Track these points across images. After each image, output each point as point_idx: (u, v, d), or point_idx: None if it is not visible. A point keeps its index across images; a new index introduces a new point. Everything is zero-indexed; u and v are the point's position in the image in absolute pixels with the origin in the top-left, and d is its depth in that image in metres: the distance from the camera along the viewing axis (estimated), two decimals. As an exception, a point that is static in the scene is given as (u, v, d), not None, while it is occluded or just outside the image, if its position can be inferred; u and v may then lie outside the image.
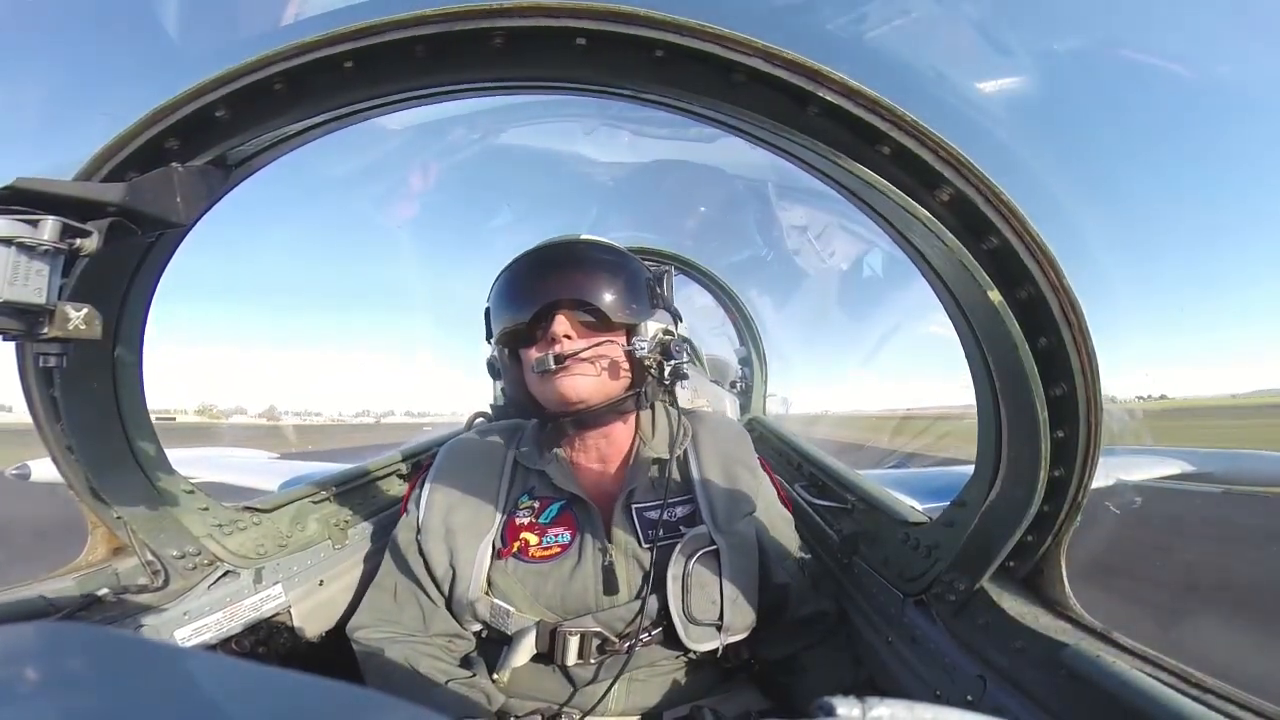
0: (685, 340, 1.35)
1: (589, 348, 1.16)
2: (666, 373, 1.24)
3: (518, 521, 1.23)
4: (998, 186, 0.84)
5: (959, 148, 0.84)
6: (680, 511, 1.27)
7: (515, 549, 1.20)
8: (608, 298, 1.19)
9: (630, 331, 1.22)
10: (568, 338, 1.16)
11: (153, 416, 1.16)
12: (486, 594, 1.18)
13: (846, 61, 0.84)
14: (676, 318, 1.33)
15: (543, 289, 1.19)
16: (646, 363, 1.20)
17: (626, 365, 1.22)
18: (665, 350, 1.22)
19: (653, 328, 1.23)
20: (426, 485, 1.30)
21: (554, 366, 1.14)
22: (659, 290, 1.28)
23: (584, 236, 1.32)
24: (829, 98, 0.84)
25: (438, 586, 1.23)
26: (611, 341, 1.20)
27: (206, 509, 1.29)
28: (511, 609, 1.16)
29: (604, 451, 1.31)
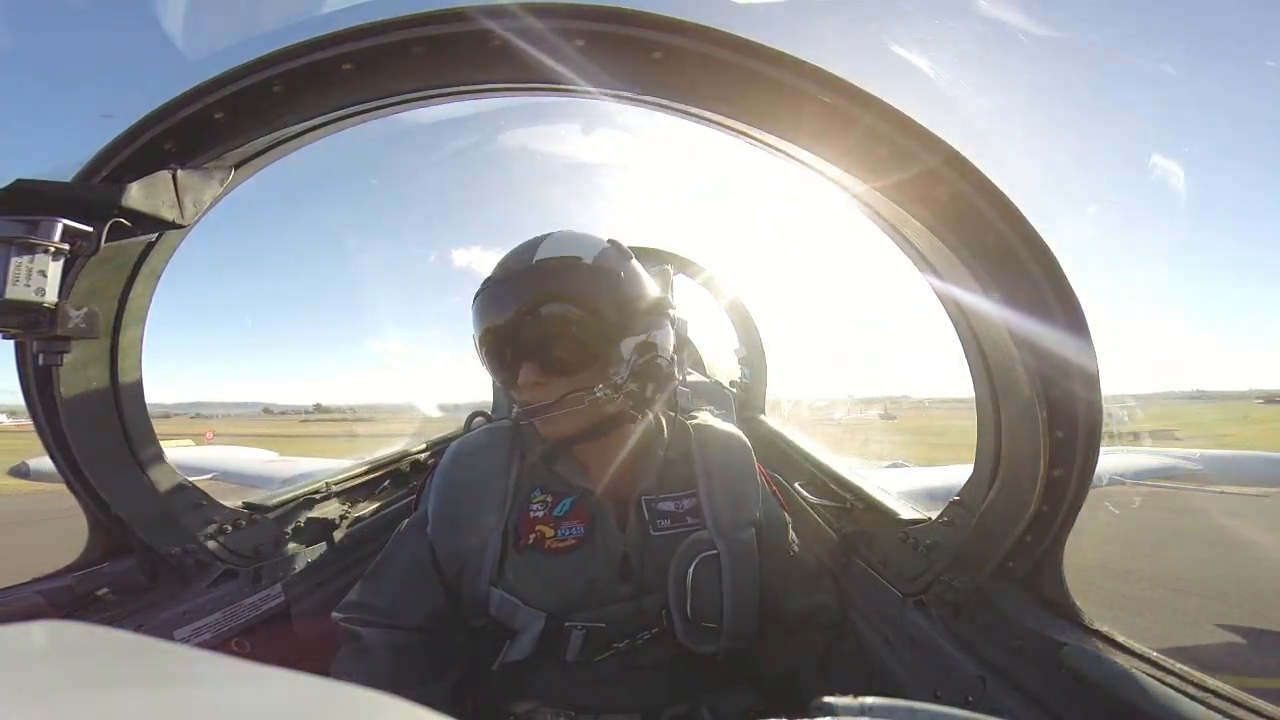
0: (680, 347, 1.30)
1: (557, 399, 1.14)
2: (649, 391, 1.20)
3: (532, 515, 1.24)
4: (997, 186, 0.85)
5: (959, 148, 0.84)
6: (687, 504, 1.29)
7: (531, 541, 1.22)
8: (569, 342, 1.12)
9: (606, 357, 1.16)
10: (537, 384, 1.15)
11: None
12: (495, 587, 1.19)
13: (846, 63, 0.84)
14: (666, 315, 1.25)
15: (506, 333, 1.15)
16: (626, 388, 1.17)
17: (604, 396, 1.17)
18: (645, 372, 1.17)
19: (629, 347, 1.15)
20: (435, 482, 1.31)
21: (527, 419, 1.18)
22: (639, 297, 1.19)
23: (538, 257, 1.16)
24: (828, 100, 0.84)
25: (443, 581, 1.24)
26: (580, 389, 1.14)
27: (206, 508, 1.29)
28: (519, 603, 1.17)
29: (612, 450, 1.32)
